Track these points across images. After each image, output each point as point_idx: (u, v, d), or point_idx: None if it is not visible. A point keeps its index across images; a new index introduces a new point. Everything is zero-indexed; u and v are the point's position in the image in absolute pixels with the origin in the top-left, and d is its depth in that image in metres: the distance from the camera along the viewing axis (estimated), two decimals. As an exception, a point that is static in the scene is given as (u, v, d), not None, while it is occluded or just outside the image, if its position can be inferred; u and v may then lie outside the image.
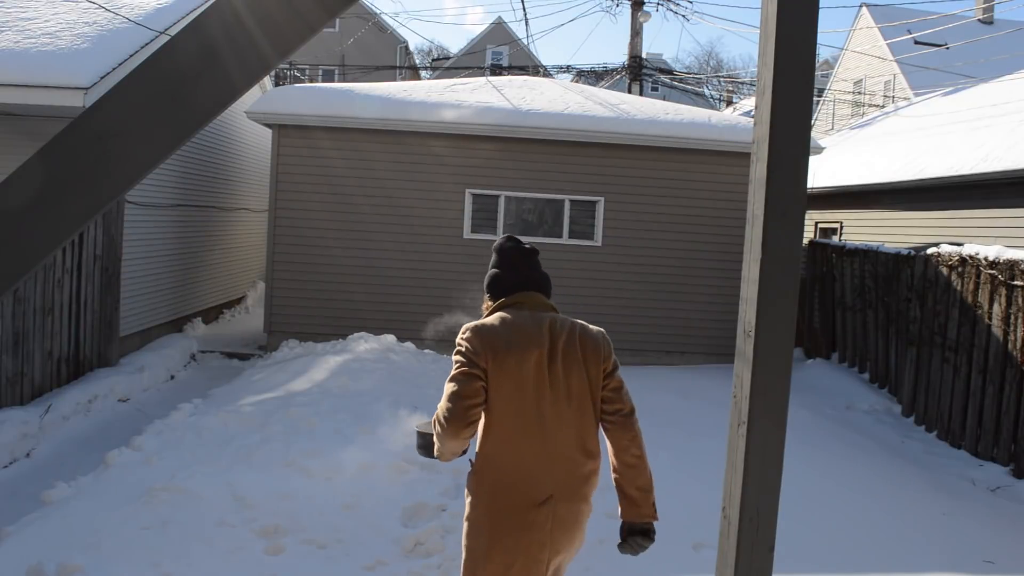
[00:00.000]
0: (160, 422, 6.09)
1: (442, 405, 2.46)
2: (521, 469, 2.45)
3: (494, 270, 2.75)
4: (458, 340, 2.53)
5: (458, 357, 2.50)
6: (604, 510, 4.79)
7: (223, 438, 5.59)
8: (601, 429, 2.60)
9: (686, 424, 7.11)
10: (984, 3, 22.43)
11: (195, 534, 4.15)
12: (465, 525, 2.58)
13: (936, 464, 6.63)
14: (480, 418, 2.48)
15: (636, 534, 2.55)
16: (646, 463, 2.58)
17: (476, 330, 2.52)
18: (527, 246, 2.78)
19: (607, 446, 2.61)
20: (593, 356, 2.55)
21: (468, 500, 2.58)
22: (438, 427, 2.47)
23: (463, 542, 2.58)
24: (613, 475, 2.59)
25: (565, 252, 10.04)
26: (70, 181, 1.32)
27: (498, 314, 2.61)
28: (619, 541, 2.58)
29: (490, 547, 2.46)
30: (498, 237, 9.92)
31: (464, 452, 2.58)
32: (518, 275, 2.69)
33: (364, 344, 8.84)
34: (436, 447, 2.55)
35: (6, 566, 3.73)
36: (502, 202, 10.00)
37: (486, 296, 2.75)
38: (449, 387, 2.46)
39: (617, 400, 2.58)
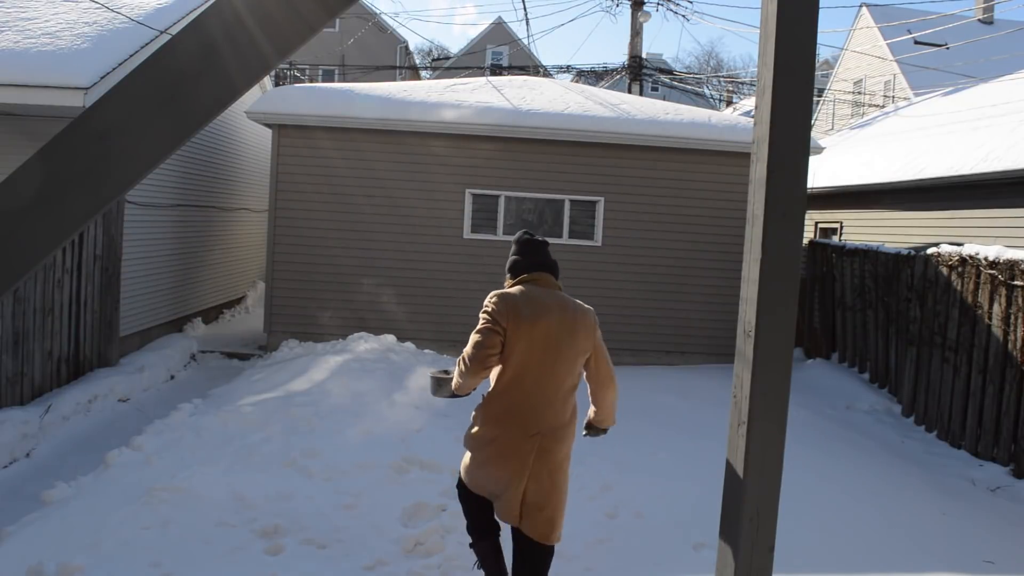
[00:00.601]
0: (160, 422, 6.09)
1: (467, 350, 3.16)
2: (522, 407, 3.16)
3: (514, 256, 3.46)
4: (486, 303, 3.22)
5: (485, 315, 3.19)
6: (604, 510, 4.80)
7: (223, 438, 5.58)
8: (588, 382, 3.44)
9: (686, 424, 7.11)
10: (984, 3, 22.43)
11: (195, 534, 4.15)
12: (471, 439, 3.30)
13: (936, 464, 6.62)
14: (494, 364, 3.19)
15: (598, 430, 3.59)
16: (616, 402, 3.53)
17: (502, 296, 3.23)
18: (539, 239, 3.54)
19: (589, 391, 3.48)
20: (585, 331, 3.27)
21: (477, 421, 3.29)
22: (462, 366, 3.19)
23: (467, 450, 3.35)
24: (593, 408, 3.52)
25: (565, 252, 10.02)
26: (70, 181, 1.32)
27: (519, 287, 3.31)
28: (584, 432, 3.57)
29: (489, 456, 3.21)
30: (497, 237, 9.99)
31: (474, 389, 3.33)
32: (533, 260, 3.42)
33: (364, 344, 8.84)
34: (456, 382, 3.28)
35: (6, 566, 3.73)
36: (502, 202, 10.00)
37: (508, 276, 3.45)
38: (475, 337, 3.16)
39: (605, 365, 3.40)
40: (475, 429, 3.29)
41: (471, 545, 3.53)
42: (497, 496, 3.26)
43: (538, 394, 3.17)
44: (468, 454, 3.37)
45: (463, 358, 3.18)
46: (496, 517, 3.36)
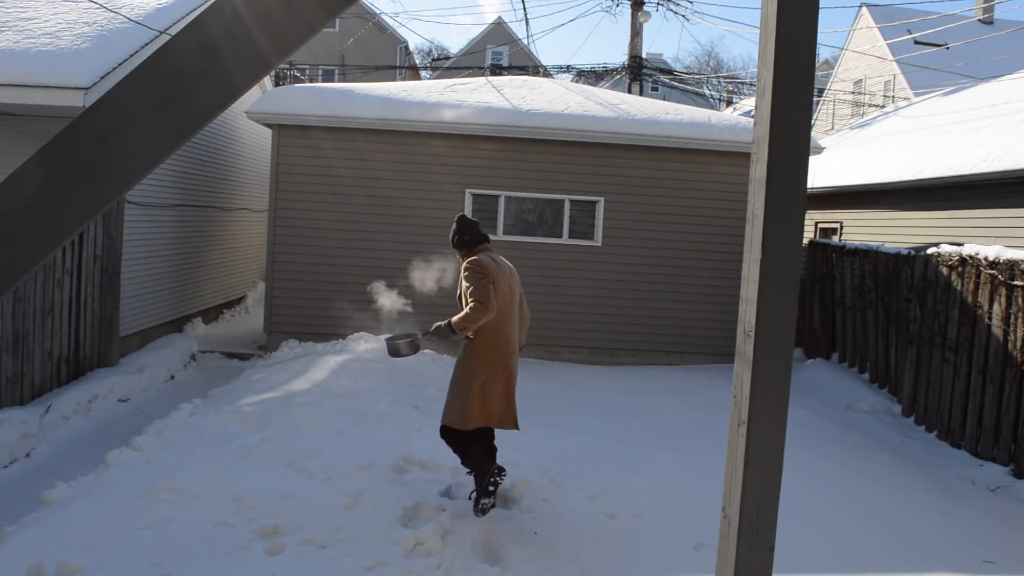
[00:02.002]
0: (160, 422, 6.09)
1: (479, 299, 4.37)
2: (503, 336, 4.60)
3: (464, 235, 4.69)
4: (470, 266, 4.50)
5: (475, 275, 4.46)
6: (604, 510, 4.80)
7: (223, 438, 5.59)
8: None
9: (686, 424, 7.11)
10: (984, 3, 22.42)
11: (195, 534, 4.15)
12: (465, 368, 4.56)
13: (936, 464, 6.62)
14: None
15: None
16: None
17: (479, 261, 4.54)
18: (473, 219, 4.78)
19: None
20: (518, 281, 4.83)
21: (469, 354, 4.57)
22: (479, 311, 4.36)
23: (460, 378, 4.56)
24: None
25: (565, 252, 10.04)
26: (70, 181, 1.32)
27: (480, 255, 4.61)
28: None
29: (486, 377, 4.52)
30: (498, 237, 10.12)
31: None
32: (478, 234, 4.73)
33: (364, 344, 8.84)
34: (462, 326, 4.39)
35: (6, 566, 3.73)
36: (502, 202, 10.00)
37: (464, 249, 4.68)
38: (480, 289, 4.40)
39: (526, 305, 4.94)
40: (468, 361, 4.56)
41: (478, 477, 4.51)
42: (496, 411, 4.54)
43: (508, 326, 4.62)
44: (468, 397, 4.48)
45: (478, 303, 4.37)
46: (496, 427, 4.65)
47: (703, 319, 10.12)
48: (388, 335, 4.70)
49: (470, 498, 4.61)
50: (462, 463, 4.66)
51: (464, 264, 4.54)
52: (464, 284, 4.51)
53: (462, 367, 4.57)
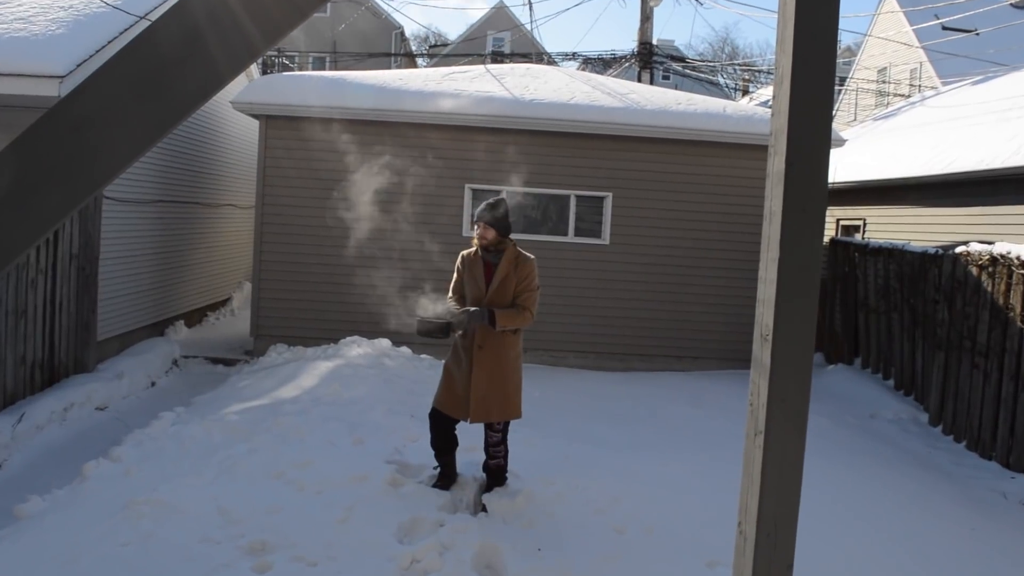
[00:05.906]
0: (140, 432, 6.10)
1: (534, 310, 4.91)
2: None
3: (511, 219, 5.05)
4: (535, 271, 4.96)
5: (536, 280, 4.94)
6: (613, 524, 4.80)
7: (207, 448, 5.59)
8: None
9: (699, 434, 7.11)
10: (1016, -14, 22.38)
11: (178, 551, 4.15)
12: (517, 360, 5.04)
13: (965, 476, 6.62)
14: None
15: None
16: None
17: (535, 263, 5.06)
18: None
19: None
20: None
21: (515, 346, 5.02)
22: (529, 320, 4.88)
23: (516, 370, 4.98)
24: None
25: (570, 251, 10.04)
26: (44, 175, 1.32)
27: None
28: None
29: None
30: None
31: None
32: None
33: (357, 349, 8.85)
34: (505, 326, 4.78)
35: (-23, 584, 3.73)
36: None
37: (503, 233, 4.95)
38: (537, 299, 4.97)
39: None
40: (519, 350, 5.06)
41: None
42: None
43: None
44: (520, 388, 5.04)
45: (531, 316, 4.88)
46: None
47: (717, 322, 10.11)
48: (421, 316, 4.89)
49: (485, 492, 5.15)
50: (503, 459, 5.13)
51: (530, 262, 4.96)
52: (526, 284, 4.89)
53: (515, 361, 4.97)
